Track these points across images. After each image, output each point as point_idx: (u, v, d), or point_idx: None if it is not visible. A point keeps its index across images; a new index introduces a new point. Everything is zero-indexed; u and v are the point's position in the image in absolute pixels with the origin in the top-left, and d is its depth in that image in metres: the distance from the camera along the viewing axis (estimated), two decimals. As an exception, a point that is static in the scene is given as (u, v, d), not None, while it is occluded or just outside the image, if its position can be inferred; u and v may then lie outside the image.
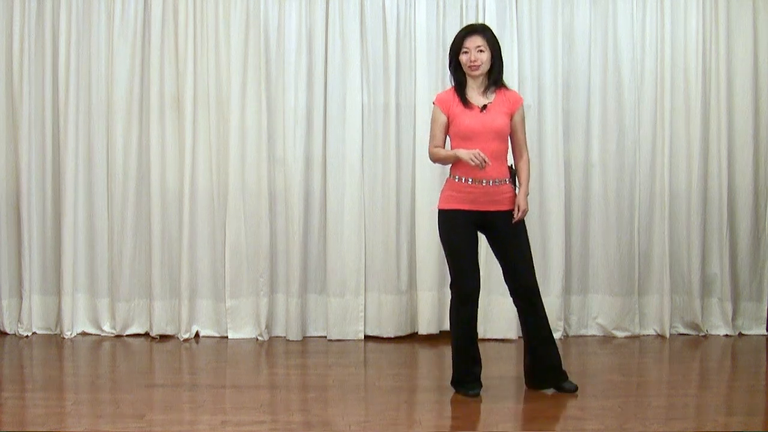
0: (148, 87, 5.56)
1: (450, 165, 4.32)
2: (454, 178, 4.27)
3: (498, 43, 4.31)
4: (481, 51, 4.24)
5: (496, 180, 4.25)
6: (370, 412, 4.11)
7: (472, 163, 4.12)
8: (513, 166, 4.39)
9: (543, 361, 4.39)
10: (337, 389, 4.50)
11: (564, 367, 4.44)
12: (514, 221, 4.31)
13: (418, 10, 5.56)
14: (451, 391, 4.40)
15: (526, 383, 4.44)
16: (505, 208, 4.29)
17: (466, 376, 4.35)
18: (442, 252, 5.51)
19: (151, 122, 5.55)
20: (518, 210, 4.32)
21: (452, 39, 4.34)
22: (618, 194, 5.67)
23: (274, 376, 4.90)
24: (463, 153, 4.15)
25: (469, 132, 4.22)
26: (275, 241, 5.63)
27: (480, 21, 5.56)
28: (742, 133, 5.70)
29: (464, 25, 5.54)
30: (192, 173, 5.56)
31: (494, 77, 4.30)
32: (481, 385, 4.36)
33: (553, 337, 4.43)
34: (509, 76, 5.51)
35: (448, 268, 4.38)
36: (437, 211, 4.34)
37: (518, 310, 4.42)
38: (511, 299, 5.50)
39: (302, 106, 5.56)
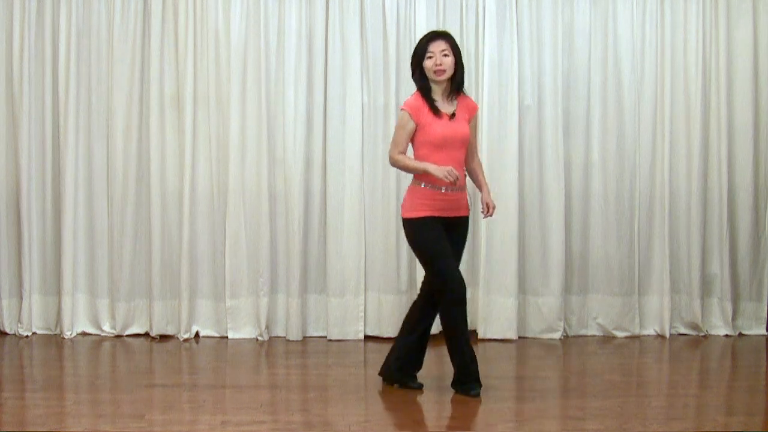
0: (148, 87, 5.56)
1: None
2: (423, 185, 4.25)
3: (459, 49, 4.34)
4: (446, 55, 4.24)
5: (461, 187, 4.29)
6: (370, 412, 4.11)
7: (447, 181, 4.13)
8: (465, 169, 4.42)
9: (410, 358, 4.44)
10: (337, 389, 4.50)
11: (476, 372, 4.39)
12: (485, 218, 4.46)
13: (418, 10, 5.56)
14: (452, 391, 4.39)
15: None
16: (463, 213, 4.35)
17: (468, 375, 4.33)
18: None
19: (151, 122, 5.55)
20: (488, 208, 4.37)
21: (417, 45, 4.32)
22: (618, 194, 5.67)
23: (274, 376, 4.90)
24: (436, 170, 4.13)
25: (441, 140, 4.22)
26: (275, 241, 5.63)
27: (480, 21, 5.57)
28: (742, 133, 5.71)
29: (464, 25, 5.59)
30: (192, 173, 5.56)
31: (457, 82, 4.30)
32: (481, 385, 4.35)
33: (427, 342, 4.50)
34: (509, 76, 5.54)
35: (429, 274, 4.34)
36: (404, 219, 4.31)
37: (431, 310, 4.40)
38: (510, 299, 5.56)
39: (302, 106, 5.56)
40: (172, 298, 5.61)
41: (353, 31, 5.55)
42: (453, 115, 4.27)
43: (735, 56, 5.69)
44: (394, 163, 4.33)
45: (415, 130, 4.26)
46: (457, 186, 4.22)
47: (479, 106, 5.56)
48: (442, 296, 4.25)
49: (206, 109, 5.58)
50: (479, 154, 5.50)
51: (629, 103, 5.65)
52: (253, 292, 5.61)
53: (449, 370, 4.75)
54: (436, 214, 4.25)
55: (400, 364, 4.46)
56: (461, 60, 4.32)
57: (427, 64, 4.25)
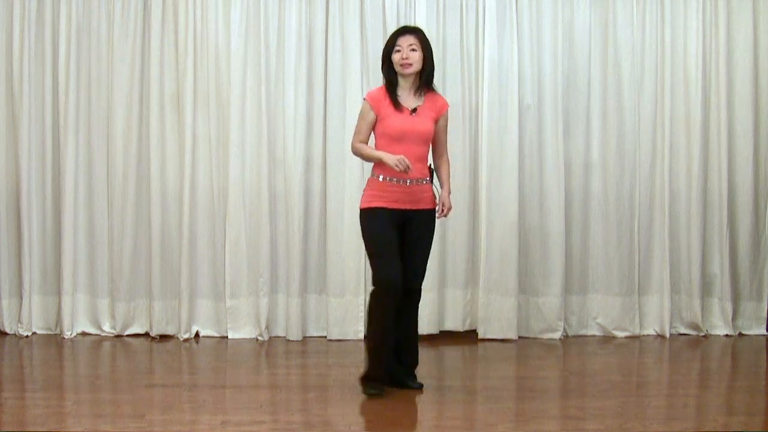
0: (148, 87, 5.56)
1: (372, 164, 4.35)
2: (378, 177, 4.28)
3: (430, 45, 4.34)
4: (413, 50, 4.25)
5: (418, 180, 4.28)
6: (370, 412, 4.11)
7: (397, 170, 4.15)
8: (431, 166, 4.41)
9: (403, 358, 4.43)
10: (337, 389, 4.50)
11: (416, 371, 4.47)
12: (438, 217, 4.37)
13: (418, 10, 5.56)
14: (452, 391, 4.40)
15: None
16: (424, 206, 4.33)
17: (378, 372, 4.34)
18: (442, 252, 5.58)
19: (151, 122, 5.55)
20: (443, 208, 4.36)
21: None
22: (618, 194, 5.67)
23: (274, 376, 4.90)
24: (388, 158, 4.18)
25: (399, 134, 4.24)
26: (275, 241, 5.63)
27: (480, 21, 5.57)
28: (742, 133, 5.71)
29: (464, 25, 5.59)
30: (192, 173, 5.56)
31: (425, 78, 4.31)
32: (383, 387, 4.32)
33: (417, 337, 4.50)
34: (509, 76, 5.54)
35: (370, 267, 4.36)
36: (359, 210, 4.34)
37: (400, 307, 4.35)
38: (509, 299, 5.55)
39: (302, 106, 5.56)
40: (172, 298, 5.61)
41: (353, 31, 5.55)
42: (414, 110, 4.27)
43: (735, 56, 5.69)
44: (355, 152, 4.38)
45: (376, 122, 4.29)
46: (411, 177, 4.22)
47: (479, 105, 5.57)
48: (373, 288, 4.29)
49: (206, 109, 5.58)
50: (481, 154, 5.55)
51: (629, 103, 5.65)
52: (253, 292, 5.61)
53: (449, 370, 4.77)
54: (391, 206, 4.26)
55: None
56: (431, 56, 4.32)
57: (395, 57, 4.27)
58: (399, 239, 4.30)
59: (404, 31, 4.33)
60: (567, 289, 5.67)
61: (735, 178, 5.73)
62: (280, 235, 5.63)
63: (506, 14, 5.58)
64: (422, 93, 4.32)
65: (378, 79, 5.52)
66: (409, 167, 4.15)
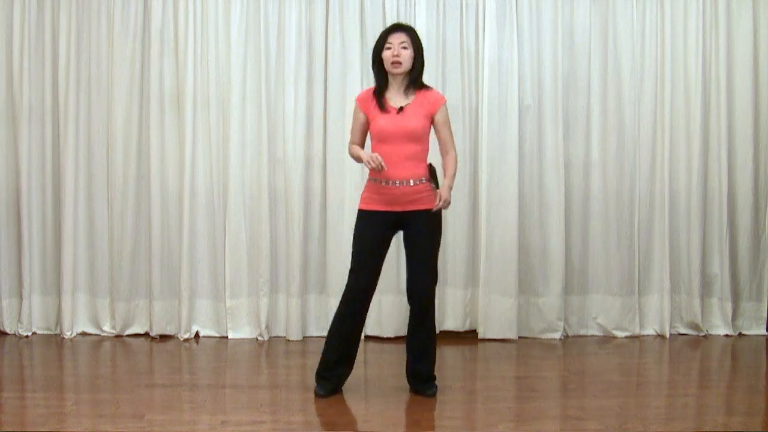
0: (148, 87, 5.56)
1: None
2: (372, 179, 4.27)
3: (421, 44, 4.30)
4: (404, 48, 4.22)
5: (411, 180, 4.21)
6: (370, 412, 4.11)
7: (368, 167, 4.14)
8: (432, 165, 4.32)
9: (415, 368, 4.38)
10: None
11: (435, 373, 4.44)
12: (433, 210, 4.22)
13: (418, 10, 5.56)
14: (452, 391, 4.40)
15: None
16: (422, 207, 4.24)
17: (325, 372, 4.35)
18: (442, 253, 5.56)
19: (151, 122, 5.55)
20: (439, 199, 4.22)
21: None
22: (618, 194, 5.67)
23: (274, 376, 4.90)
24: (363, 155, 4.19)
25: (383, 134, 4.21)
26: (275, 241, 5.63)
27: (480, 21, 5.57)
28: (742, 133, 5.71)
29: (464, 25, 5.59)
30: (192, 173, 5.56)
31: (413, 77, 4.26)
32: (333, 388, 4.33)
33: (433, 347, 4.39)
34: (509, 76, 5.54)
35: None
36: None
37: (410, 313, 4.36)
38: (509, 299, 5.55)
39: (302, 106, 5.56)
40: (172, 298, 5.61)
41: (353, 31, 5.55)
42: (401, 109, 4.23)
43: (735, 56, 5.69)
44: (349, 153, 4.42)
45: (367, 122, 4.30)
46: (398, 178, 4.17)
47: (479, 105, 5.57)
48: (344, 292, 4.32)
49: (206, 109, 5.58)
50: (481, 154, 5.55)
51: (629, 103, 5.65)
52: (253, 292, 5.61)
53: (448, 370, 4.76)
54: (382, 207, 4.24)
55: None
56: (422, 55, 4.28)
57: (385, 54, 4.24)
58: (387, 244, 4.29)
59: (395, 28, 4.28)
60: (567, 289, 5.67)
61: (735, 178, 5.73)
62: (280, 235, 5.63)
63: (506, 14, 5.58)
64: (412, 91, 4.27)
65: (378, 79, 5.58)
66: (381, 165, 4.10)
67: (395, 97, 4.28)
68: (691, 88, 5.65)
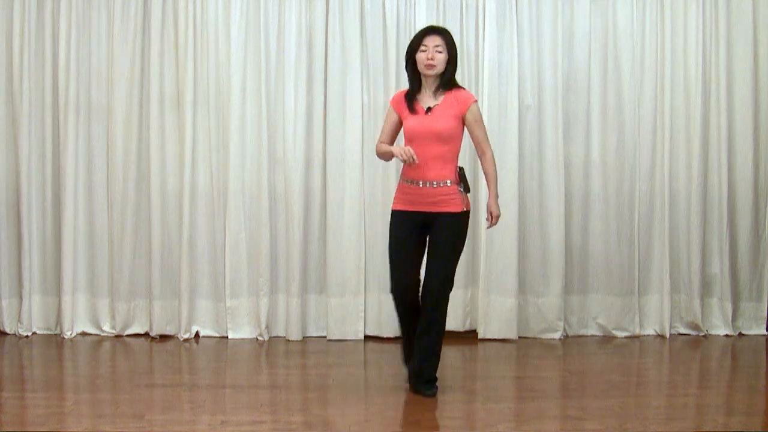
0: (148, 87, 5.56)
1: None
2: (401, 179, 4.34)
3: (456, 48, 4.32)
4: (439, 51, 4.23)
5: (435, 182, 4.22)
6: (370, 412, 4.11)
7: (401, 159, 4.17)
8: (462, 168, 4.32)
9: (421, 368, 4.36)
10: (337, 389, 4.50)
11: (437, 375, 4.41)
12: (487, 227, 4.38)
13: (418, 10, 5.56)
14: (452, 391, 4.40)
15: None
16: (446, 209, 4.23)
17: (417, 375, 4.40)
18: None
19: (151, 122, 5.55)
20: (490, 216, 4.30)
21: (412, 39, 4.35)
22: (618, 194, 5.67)
23: (274, 376, 4.90)
24: (394, 149, 4.23)
25: (411, 134, 4.25)
26: (275, 241, 5.63)
27: (480, 21, 5.57)
28: (742, 133, 5.71)
29: (464, 25, 5.59)
30: (192, 173, 5.56)
31: (445, 79, 4.28)
32: (428, 386, 4.34)
33: (438, 350, 4.36)
34: (509, 76, 5.55)
35: None
36: None
37: (420, 313, 4.35)
38: (509, 299, 5.55)
39: (302, 106, 5.56)
40: (172, 298, 5.61)
41: (353, 31, 5.55)
42: (429, 110, 4.25)
43: (735, 56, 5.69)
44: (376, 151, 4.44)
45: (400, 122, 4.34)
46: (425, 179, 4.20)
47: (479, 106, 5.56)
48: None
49: (206, 109, 5.58)
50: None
51: (629, 103, 5.65)
52: (253, 292, 5.61)
53: (448, 370, 4.76)
54: (409, 208, 4.28)
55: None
56: (455, 59, 4.30)
57: (420, 56, 4.25)
58: (420, 242, 4.33)
59: (431, 30, 4.30)
60: (567, 289, 5.67)
61: (735, 178, 5.72)
62: (280, 235, 5.63)
63: (506, 14, 5.58)
64: (442, 92, 4.28)
65: (378, 79, 5.58)
66: (413, 157, 4.12)
67: (425, 98, 4.30)
68: (691, 88, 5.65)
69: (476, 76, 5.59)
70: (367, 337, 5.62)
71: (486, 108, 5.53)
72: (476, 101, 4.31)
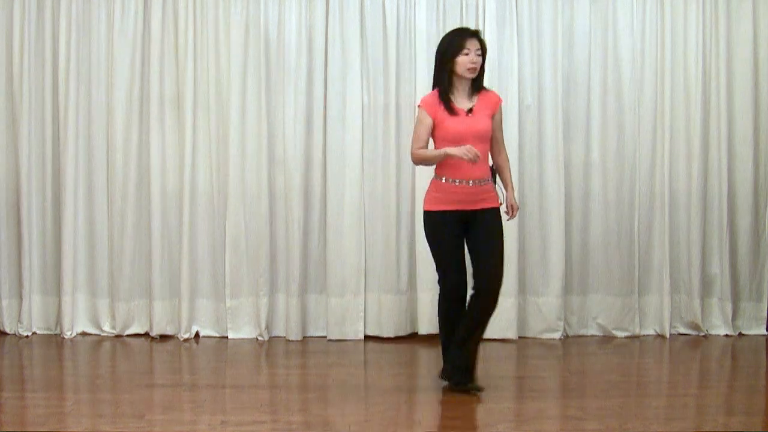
0: (148, 87, 5.56)
1: (434, 166, 4.34)
2: (441, 179, 4.31)
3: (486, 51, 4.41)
4: (478, 55, 4.29)
5: (481, 180, 4.30)
6: (370, 412, 4.11)
7: (465, 158, 4.15)
8: (493, 165, 4.45)
9: (459, 358, 4.36)
10: (337, 389, 4.50)
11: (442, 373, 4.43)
12: (508, 219, 4.41)
13: (418, 10, 5.56)
14: (452, 391, 4.39)
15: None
16: (488, 205, 4.33)
17: (446, 368, 4.40)
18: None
19: (151, 122, 5.55)
20: (512, 210, 4.41)
21: (451, 40, 4.32)
22: (618, 194, 5.67)
23: (274, 376, 4.90)
24: (454, 150, 4.19)
25: (457, 136, 4.25)
26: (275, 241, 5.63)
27: (480, 21, 5.57)
28: (742, 133, 5.70)
29: (464, 25, 5.57)
30: (192, 173, 5.56)
31: (479, 82, 4.35)
32: (462, 381, 4.35)
33: (474, 341, 4.38)
34: (509, 76, 5.55)
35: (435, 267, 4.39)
36: (423, 212, 4.37)
37: (471, 302, 4.36)
38: (510, 299, 5.54)
39: (302, 106, 5.56)
40: (172, 298, 5.61)
41: (353, 31, 5.55)
42: (470, 111, 4.31)
43: (735, 56, 5.69)
44: (415, 158, 4.37)
45: (434, 127, 4.31)
46: (474, 177, 4.25)
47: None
48: (439, 289, 4.39)
49: (206, 109, 5.58)
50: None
51: (629, 103, 5.65)
52: (253, 292, 5.61)
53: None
54: (453, 207, 4.28)
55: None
56: (484, 61, 4.38)
57: (463, 59, 4.27)
58: (462, 240, 4.34)
59: (473, 34, 4.33)
60: (567, 289, 5.67)
61: (735, 179, 5.72)
62: (280, 235, 5.63)
63: (506, 14, 5.58)
64: (475, 93, 4.35)
65: (378, 79, 5.57)
66: (477, 155, 4.16)
67: (460, 100, 4.33)
68: (691, 88, 5.65)
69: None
70: (367, 337, 5.62)
71: (486, 108, 5.53)
72: (502, 102, 4.45)
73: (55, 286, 5.67)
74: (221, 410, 4.14)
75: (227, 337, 5.64)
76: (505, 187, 4.45)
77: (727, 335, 5.69)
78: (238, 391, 4.48)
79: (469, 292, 4.34)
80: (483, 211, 4.31)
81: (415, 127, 4.38)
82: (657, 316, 5.70)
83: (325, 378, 4.73)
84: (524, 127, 5.60)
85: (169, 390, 4.47)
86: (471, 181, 4.26)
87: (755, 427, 3.89)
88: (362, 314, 5.61)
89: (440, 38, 5.50)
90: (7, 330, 5.66)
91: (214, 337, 5.66)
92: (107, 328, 5.67)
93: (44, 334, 5.67)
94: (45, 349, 5.39)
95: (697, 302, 5.68)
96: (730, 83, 5.68)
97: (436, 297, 5.50)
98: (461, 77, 4.30)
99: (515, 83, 5.55)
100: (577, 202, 5.69)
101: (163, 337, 5.61)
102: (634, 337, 5.66)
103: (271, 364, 5.19)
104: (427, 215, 4.35)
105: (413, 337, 5.65)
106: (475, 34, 4.33)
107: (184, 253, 5.55)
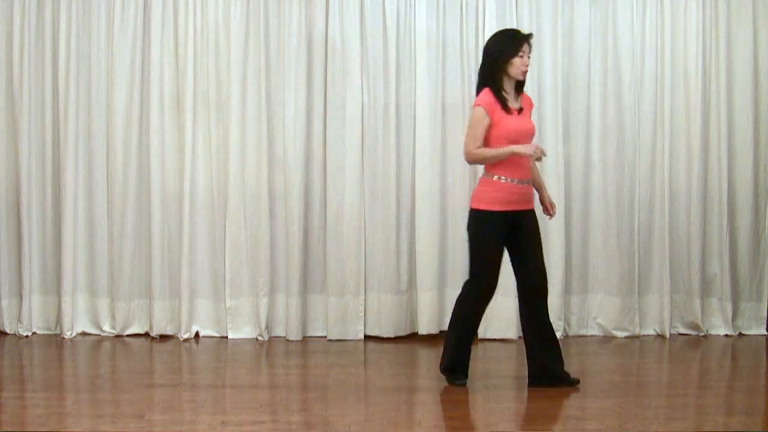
0: (148, 87, 5.56)
1: (483, 167, 4.41)
2: (496, 178, 4.33)
3: None
4: (529, 57, 4.41)
5: (530, 180, 4.41)
6: (370, 412, 4.11)
7: (535, 156, 4.25)
8: None
9: (543, 363, 4.42)
10: (337, 389, 4.50)
11: (565, 368, 4.47)
12: (550, 218, 4.60)
13: (418, 10, 5.56)
14: (452, 391, 4.40)
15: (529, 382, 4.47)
16: (531, 206, 4.44)
17: (459, 364, 4.44)
18: (442, 252, 5.59)
19: (151, 122, 5.55)
20: (552, 207, 4.56)
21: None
22: (618, 194, 5.67)
23: (274, 376, 4.90)
24: (521, 148, 4.25)
25: (515, 134, 4.32)
26: (275, 241, 5.63)
27: (480, 21, 5.57)
28: (742, 133, 5.70)
29: (464, 25, 5.58)
30: (192, 173, 5.56)
31: (523, 83, 4.46)
32: (467, 377, 4.45)
33: (556, 337, 4.50)
34: (509, 76, 5.54)
35: (469, 263, 4.44)
36: (472, 209, 4.39)
37: (524, 309, 4.45)
38: (510, 299, 5.54)
39: (302, 106, 5.56)
40: (172, 298, 5.61)
41: (353, 31, 5.55)
42: (520, 110, 4.40)
43: (735, 56, 5.69)
44: (473, 157, 4.38)
45: (489, 126, 4.33)
46: (527, 177, 4.36)
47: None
48: (472, 286, 4.42)
49: (206, 109, 5.58)
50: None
51: (629, 103, 5.65)
52: (253, 292, 5.61)
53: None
54: (505, 208, 4.32)
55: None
56: None
57: (518, 61, 4.35)
58: (508, 241, 4.40)
59: (528, 37, 4.39)
60: (567, 289, 5.67)
61: (735, 178, 5.72)
62: (280, 235, 5.63)
63: (506, 14, 5.58)
64: (517, 94, 4.44)
65: (378, 79, 5.57)
66: (545, 153, 4.29)
67: (510, 100, 4.40)
68: (691, 88, 5.64)
69: (476, 76, 5.58)
70: (367, 337, 5.62)
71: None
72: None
73: (55, 286, 5.67)
74: (221, 410, 4.14)
75: (227, 337, 5.64)
76: (539, 188, 4.53)
77: (727, 335, 5.68)
78: (238, 391, 4.48)
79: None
80: (529, 211, 4.41)
81: (470, 126, 4.38)
82: (657, 316, 5.70)
83: (325, 378, 4.73)
84: (524, 127, 5.60)
85: (169, 390, 4.47)
86: (525, 182, 4.36)
87: (755, 427, 3.89)
88: (362, 314, 5.61)
89: (440, 38, 5.55)
90: (7, 330, 5.66)
91: (214, 337, 5.66)
92: (107, 328, 5.67)
93: (44, 334, 5.67)
94: (45, 349, 5.39)
95: (697, 302, 5.67)
96: (730, 83, 5.68)
97: (436, 297, 5.57)
98: (512, 78, 4.37)
99: (515, 83, 5.55)
100: (577, 202, 5.69)
101: (163, 337, 5.61)
102: (634, 337, 5.66)
103: (271, 364, 5.19)
104: (484, 215, 4.34)
105: (413, 337, 5.65)
106: (528, 37, 4.40)
107: (184, 253, 5.55)
